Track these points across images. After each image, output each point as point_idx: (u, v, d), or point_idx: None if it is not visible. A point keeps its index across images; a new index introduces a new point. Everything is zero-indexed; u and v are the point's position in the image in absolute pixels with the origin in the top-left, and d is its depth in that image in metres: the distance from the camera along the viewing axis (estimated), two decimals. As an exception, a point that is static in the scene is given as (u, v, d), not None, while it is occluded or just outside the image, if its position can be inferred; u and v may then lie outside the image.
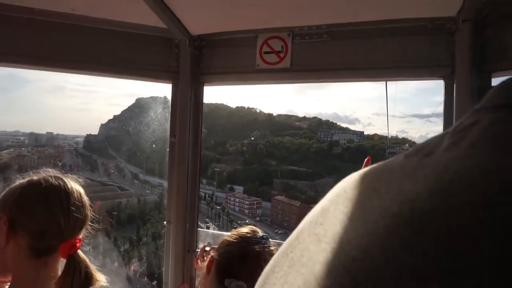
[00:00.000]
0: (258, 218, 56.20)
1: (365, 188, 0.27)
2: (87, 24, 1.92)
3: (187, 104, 2.02)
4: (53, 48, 1.92)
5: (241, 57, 2.00)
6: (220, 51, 2.05)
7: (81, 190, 1.14)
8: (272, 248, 1.31)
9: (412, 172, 0.25)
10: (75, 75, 2.23)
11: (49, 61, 1.94)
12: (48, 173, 1.12)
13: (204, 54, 2.06)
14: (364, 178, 0.29)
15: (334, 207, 0.28)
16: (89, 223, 1.14)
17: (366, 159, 1.38)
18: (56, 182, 1.08)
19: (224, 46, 2.04)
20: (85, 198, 1.14)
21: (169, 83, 2.06)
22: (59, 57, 1.93)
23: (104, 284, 1.09)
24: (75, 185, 1.13)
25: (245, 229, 1.37)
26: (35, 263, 1.01)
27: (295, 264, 0.26)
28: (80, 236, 1.09)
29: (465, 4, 1.58)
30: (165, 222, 2.09)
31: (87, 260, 1.06)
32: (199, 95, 2.08)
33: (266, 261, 1.09)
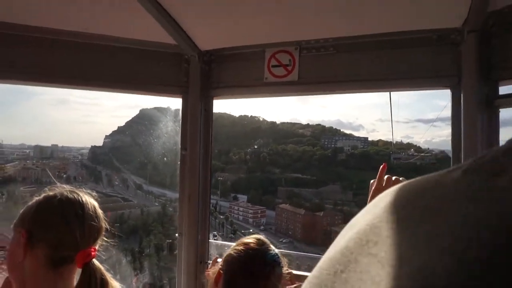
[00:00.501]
0: (262, 227, 55.82)
1: (420, 207, 0.26)
2: (99, 42, 1.99)
3: (197, 117, 2.07)
4: (65, 66, 1.98)
5: (250, 71, 2.05)
6: (229, 65, 2.10)
7: (95, 203, 1.18)
8: (281, 267, 1.30)
9: (481, 194, 0.23)
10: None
11: (62, 78, 2.00)
12: (63, 188, 1.17)
13: (213, 69, 2.12)
14: (415, 195, 0.27)
15: (385, 225, 0.27)
16: (104, 233, 1.18)
17: (382, 166, 1.37)
18: (71, 196, 1.13)
19: (233, 61, 2.09)
20: (99, 210, 1.17)
21: (179, 97, 2.11)
22: (72, 74, 1.99)
23: None
24: (89, 198, 1.17)
25: (250, 240, 1.35)
26: (52, 274, 1.05)
27: (353, 286, 0.25)
28: (96, 246, 1.12)
29: (470, 15, 1.61)
30: (177, 234, 2.12)
31: (102, 268, 1.09)
32: (209, 108, 2.13)
33: (275, 280, 1.09)
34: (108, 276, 1.10)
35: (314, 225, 51.04)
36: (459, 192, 0.25)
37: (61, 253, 1.05)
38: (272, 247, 1.35)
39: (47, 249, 1.04)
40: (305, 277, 1.74)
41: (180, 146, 2.10)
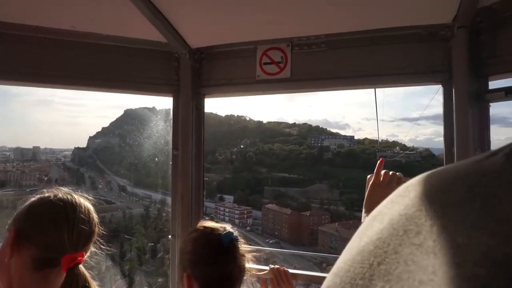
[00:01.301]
0: (248, 227, 55.80)
1: (466, 192, 0.25)
2: (87, 40, 1.94)
3: (188, 116, 2.05)
4: (51, 65, 1.93)
5: (241, 68, 2.04)
6: (220, 63, 2.08)
7: (90, 207, 1.16)
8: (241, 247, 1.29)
9: None
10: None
11: (47, 78, 1.95)
12: (59, 190, 1.15)
13: (204, 67, 2.10)
14: (454, 182, 0.27)
15: (425, 213, 0.26)
16: (98, 239, 1.16)
17: (379, 161, 1.39)
18: (64, 197, 1.11)
19: (224, 58, 2.08)
20: (93, 215, 1.15)
21: (170, 96, 2.08)
22: (58, 74, 1.94)
23: None
24: (83, 201, 1.15)
25: (195, 234, 1.30)
26: (36, 276, 1.02)
27: (399, 279, 0.25)
28: (85, 252, 1.10)
29: (460, 11, 1.64)
30: (170, 236, 2.09)
31: (87, 275, 1.07)
32: (200, 107, 2.11)
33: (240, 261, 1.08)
34: (93, 284, 1.08)
35: (301, 225, 51.31)
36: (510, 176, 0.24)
37: (46, 255, 1.03)
38: (225, 227, 1.33)
39: (33, 250, 1.03)
40: (302, 275, 1.74)
41: (171, 146, 2.07)
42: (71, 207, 1.09)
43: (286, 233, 52.56)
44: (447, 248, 0.23)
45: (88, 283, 1.06)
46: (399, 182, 1.37)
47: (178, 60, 2.06)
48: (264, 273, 1.65)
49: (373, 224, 0.31)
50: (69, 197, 1.12)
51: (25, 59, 1.88)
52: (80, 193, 1.18)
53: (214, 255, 1.24)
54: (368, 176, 1.40)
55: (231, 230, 1.31)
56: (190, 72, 2.04)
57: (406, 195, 0.30)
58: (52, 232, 1.03)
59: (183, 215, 2.03)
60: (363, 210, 1.35)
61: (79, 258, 1.06)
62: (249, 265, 1.40)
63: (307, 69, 1.95)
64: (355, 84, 1.94)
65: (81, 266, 1.06)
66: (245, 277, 1.33)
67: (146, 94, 2.12)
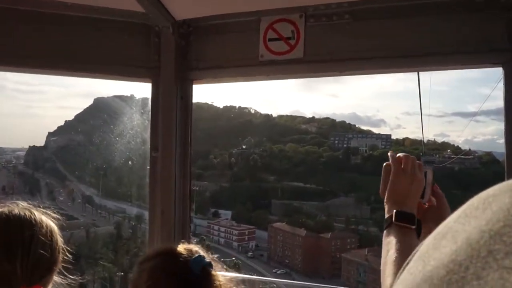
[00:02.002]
0: (250, 253, 55.53)
1: None
2: (46, 10, 1.97)
3: (172, 108, 2.07)
4: (1, 40, 1.95)
5: (240, 46, 2.07)
6: (213, 39, 2.11)
7: (53, 227, 1.18)
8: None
9: None
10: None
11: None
12: (16, 205, 1.16)
13: (192, 44, 2.12)
14: None
15: None
16: (62, 269, 1.18)
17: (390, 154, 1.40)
18: (22, 213, 1.13)
19: (218, 33, 2.10)
20: (57, 238, 1.17)
21: (148, 82, 2.11)
22: (9, 52, 1.98)
23: None
24: (46, 220, 1.17)
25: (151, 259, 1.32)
26: None
27: None
28: (43, 285, 1.11)
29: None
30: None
31: None
32: (187, 96, 2.14)
33: None
34: None
35: (319, 251, 50.92)
36: None
37: None
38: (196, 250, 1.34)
39: None
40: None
41: (149, 146, 2.09)
42: (28, 227, 1.11)
43: (299, 262, 52.33)
44: None
45: None
46: (420, 169, 1.39)
47: (159, 36, 2.08)
48: None
49: (443, 244, 0.31)
50: (27, 214, 1.13)
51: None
52: (42, 209, 1.20)
53: (183, 285, 1.25)
54: (385, 164, 1.41)
55: (202, 253, 1.32)
56: (174, 50, 2.06)
57: (487, 207, 0.30)
58: (2, 260, 1.05)
59: (163, 235, 2.05)
60: (387, 206, 1.37)
61: None
62: None
63: (326, 47, 1.97)
64: (387, 66, 1.96)
65: None
66: None
67: (117, 79, 2.15)
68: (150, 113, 2.11)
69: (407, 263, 0.35)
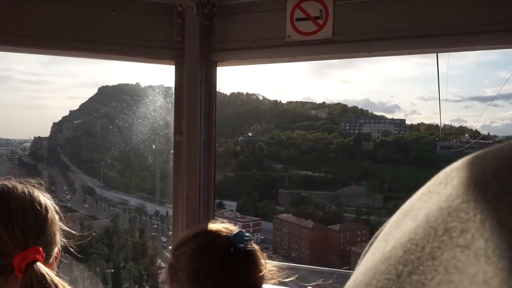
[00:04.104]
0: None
1: None
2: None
3: (196, 91, 2.11)
4: (18, 20, 1.99)
5: (266, 26, 2.10)
6: (237, 19, 2.15)
7: (32, 189, 1.22)
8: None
9: None
10: (23, 61, 2.30)
11: (13, 38, 2.02)
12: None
13: (216, 25, 2.16)
14: (504, 170, 0.29)
15: (474, 206, 0.28)
16: (57, 228, 1.23)
17: None
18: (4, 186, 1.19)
19: (243, 13, 2.13)
20: (41, 197, 1.21)
21: (171, 64, 2.15)
22: (26, 33, 2.01)
23: None
24: (21, 186, 1.21)
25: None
26: None
27: None
28: (41, 246, 1.14)
29: None
30: (170, 247, 2.18)
31: (50, 277, 1.11)
32: (211, 78, 2.18)
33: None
34: (58, 282, 1.11)
35: (327, 244, 50.65)
36: None
37: None
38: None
39: None
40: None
41: (173, 130, 2.14)
42: (3, 198, 1.16)
43: (306, 255, 52.28)
44: (504, 249, 0.24)
45: (49, 284, 1.10)
46: None
47: (182, 16, 2.12)
48: None
49: (404, 222, 0.32)
50: (3, 186, 1.19)
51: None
52: (23, 180, 1.25)
53: (227, 263, 1.32)
54: None
55: (240, 230, 1.39)
56: (198, 31, 2.10)
57: (448, 182, 0.31)
58: None
59: (188, 220, 2.11)
60: None
61: (32, 256, 1.10)
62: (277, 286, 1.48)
63: (355, 26, 2.01)
64: (419, 46, 2.00)
65: (39, 265, 1.10)
66: None
67: (140, 61, 2.19)
68: (173, 96, 2.16)
69: (371, 243, 0.36)
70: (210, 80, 2.18)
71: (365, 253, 0.36)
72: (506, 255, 0.24)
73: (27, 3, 2.00)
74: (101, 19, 2.09)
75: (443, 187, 0.31)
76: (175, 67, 2.16)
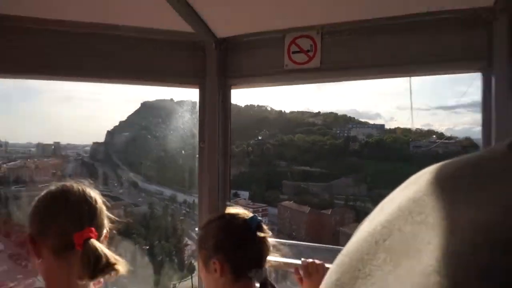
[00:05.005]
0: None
1: (468, 178, 0.31)
2: (112, 32, 2.09)
3: (215, 108, 2.18)
4: (76, 58, 2.09)
5: (269, 58, 2.16)
6: (247, 53, 2.21)
7: (83, 187, 1.29)
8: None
9: None
10: (82, 84, 2.38)
11: (72, 71, 2.11)
12: (54, 184, 1.30)
13: (230, 57, 2.23)
14: (459, 169, 0.32)
15: (430, 197, 0.31)
16: (105, 216, 1.30)
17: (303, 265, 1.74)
18: (54, 187, 1.27)
19: (251, 48, 2.20)
20: (93, 194, 1.29)
21: (196, 88, 2.22)
22: (83, 67, 2.10)
23: (123, 273, 1.20)
24: (77, 185, 1.30)
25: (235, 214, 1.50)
26: (58, 263, 1.18)
27: (400, 250, 0.29)
28: (94, 227, 1.21)
29: (501, -7, 1.69)
30: (196, 229, 2.25)
31: (101, 249, 1.17)
32: (226, 99, 2.25)
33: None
34: (111, 256, 1.18)
35: (321, 225, 50.13)
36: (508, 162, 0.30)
37: (59, 242, 1.17)
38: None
39: (48, 243, 1.18)
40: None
41: (198, 139, 2.21)
42: (61, 193, 1.25)
43: (304, 234, 51.67)
44: (443, 222, 0.28)
45: (102, 256, 1.16)
46: (325, 270, 1.66)
47: (204, 51, 2.19)
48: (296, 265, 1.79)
49: (384, 208, 0.36)
50: (59, 186, 1.28)
51: (50, 54, 2.04)
52: (78, 181, 1.33)
53: (244, 238, 1.41)
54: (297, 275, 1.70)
55: (254, 214, 1.50)
56: (216, 62, 2.17)
57: (417, 182, 0.35)
58: (53, 222, 1.19)
59: (210, 208, 2.18)
60: None
61: (87, 234, 1.17)
62: (280, 258, 1.56)
63: (338, 57, 2.04)
64: (387, 73, 2.02)
65: (93, 241, 1.17)
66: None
67: (172, 86, 2.27)
68: (198, 113, 2.23)
69: (362, 223, 0.39)
70: (225, 100, 2.25)
71: (354, 235, 0.39)
72: (442, 225, 0.28)
73: (90, 41, 2.08)
74: (141, 54, 2.17)
75: (412, 185, 0.34)
76: (199, 90, 2.23)
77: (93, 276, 1.14)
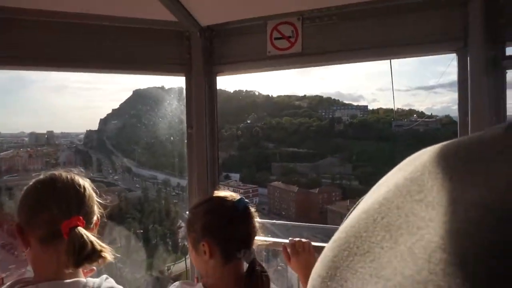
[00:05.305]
0: (254, 207, 55.38)
1: (464, 157, 0.30)
2: (99, 23, 2.05)
3: (201, 95, 2.16)
4: (63, 49, 2.04)
5: (252, 45, 2.14)
6: (231, 40, 2.18)
7: (72, 175, 1.26)
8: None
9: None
10: (77, 73, 2.33)
11: (60, 62, 2.07)
12: (44, 172, 1.26)
13: (215, 45, 2.20)
14: (456, 149, 0.31)
15: (427, 176, 0.30)
16: (94, 203, 1.27)
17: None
18: (43, 176, 1.23)
19: (235, 35, 2.17)
20: (80, 180, 1.26)
21: (182, 76, 2.20)
22: (70, 57, 2.06)
23: (110, 260, 1.18)
24: (64, 172, 1.26)
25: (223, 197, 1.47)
26: (45, 251, 1.15)
27: (398, 228, 0.29)
28: (82, 215, 1.18)
29: (476, -26, 1.68)
30: (187, 212, 2.25)
31: (88, 237, 1.15)
32: (212, 85, 2.23)
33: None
34: (97, 244, 1.15)
35: (309, 203, 50.25)
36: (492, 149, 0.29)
37: (43, 229, 1.15)
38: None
39: (33, 232, 1.16)
40: (321, 247, 1.87)
41: (186, 125, 2.20)
42: (49, 181, 1.21)
43: (293, 213, 51.88)
44: (443, 201, 0.27)
45: (87, 244, 1.13)
46: (311, 248, 1.73)
47: (189, 39, 2.16)
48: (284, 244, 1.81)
49: (380, 189, 0.34)
50: (47, 174, 1.24)
51: (38, 44, 1.99)
52: (68, 169, 1.30)
53: (232, 219, 1.40)
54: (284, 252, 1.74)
55: (241, 197, 1.48)
56: (202, 50, 2.15)
57: (412, 163, 0.34)
58: (38, 209, 1.16)
59: (199, 191, 2.19)
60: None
61: (74, 222, 1.15)
62: (268, 238, 1.57)
63: (319, 42, 2.04)
64: (368, 56, 2.02)
65: (79, 229, 1.14)
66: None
67: (158, 75, 2.24)
68: (185, 100, 2.20)
69: (354, 207, 0.38)
70: (211, 87, 2.23)
71: (350, 212, 0.38)
72: (443, 204, 0.27)
73: (76, 32, 2.03)
74: (128, 44, 2.13)
75: (407, 166, 0.34)
76: (185, 78, 2.21)
77: (78, 263, 1.12)
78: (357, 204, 0.38)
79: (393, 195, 0.32)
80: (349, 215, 0.37)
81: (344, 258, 0.32)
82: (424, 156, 0.33)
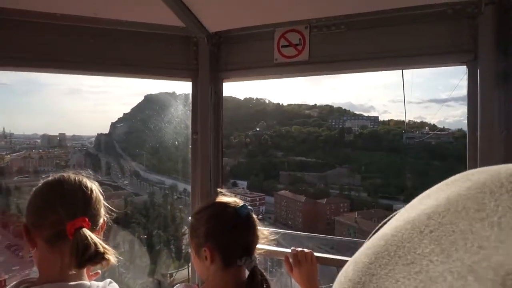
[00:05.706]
0: (260, 216, 54.94)
1: None
2: (107, 27, 2.07)
3: (207, 101, 2.17)
4: (73, 52, 2.07)
5: (259, 52, 2.14)
6: (238, 47, 2.19)
7: (79, 177, 1.27)
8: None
9: None
10: (89, 77, 2.35)
11: (71, 65, 2.09)
12: (53, 174, 1.28)
13: (222, 51, 2.21)
14: None
15: (490, 196, 0.29)
16: (100, 205, 1.27)
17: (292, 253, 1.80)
18: (51, 178, 1.25)
19: (242, 42, 2.18)
20: (87, 183, 1.27)
21: (189, 81, 2.20)
22: (80, 60, 2.08)
23: (113, 262, 1.18)
24: (73, 175, 1.27)
25: (225, 201, 1.48)
26: (50, 252, 1.16)
27: (452, 243, 0.28)
28: (88, 217, 1.19)
29: (487, -13, 1.66)
30: (189, 218, 2.24)
31: (92, 238, 1.15)
32: (219, 91, 2.23)
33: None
34: (101, 246, 1.16)
35: (316, 214, 49.61)
36: None
37: (48, 230, 1.15)
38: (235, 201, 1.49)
39: (39, 232, 1.17)
40: (327, 258, 1.83)
41: (191, 130, 2.20)
42: (57, 183, 1.23)
43: (300, 223, 51.46)
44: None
45: (91, 246, 1.13)
46: (313, 259, 1.73)
47: (197, 45, 2.17)
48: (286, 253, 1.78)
49: (425, 201, 0.33)
50: (56, 176, 1.26)
51: (49, 47, 2.02)
52: (77, 172, 1.30)
53: (234, 226, 1.40)
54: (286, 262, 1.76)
55: (244, 203, 1.47)
56: (209, 56, 2.15)
57: (467, 180, 0.32)
58: (45, 210, 1.17)
59: (202, 197, 2.17)
60: None
61: (79, 223, 1.16)
62: (270, 247, 1.55)
63: (326, 51, 2.03)
64: (375, 66, 2.00)
65: (84, 230, 1.15)
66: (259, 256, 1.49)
67: (165, 79, 2.24)
68: (191, 105, 2.20)
69: (389, 219, 0.37)
70: (218, 93, 2.23)
71: (382, 224, 0.37)
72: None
73: (85, 35, 2.05)
74: (136, 48, 2.14)
75: (461, 183, 0.32)
76: (192, 83, 2.21)
77: (81, 264, 1.12)
78: (393, 215, 0.37)
79: (445, 209, 0.30)
80: (380, 227, 0.37)
81: (383, 266, 0.30)
82: (481, 175, 0.32)
